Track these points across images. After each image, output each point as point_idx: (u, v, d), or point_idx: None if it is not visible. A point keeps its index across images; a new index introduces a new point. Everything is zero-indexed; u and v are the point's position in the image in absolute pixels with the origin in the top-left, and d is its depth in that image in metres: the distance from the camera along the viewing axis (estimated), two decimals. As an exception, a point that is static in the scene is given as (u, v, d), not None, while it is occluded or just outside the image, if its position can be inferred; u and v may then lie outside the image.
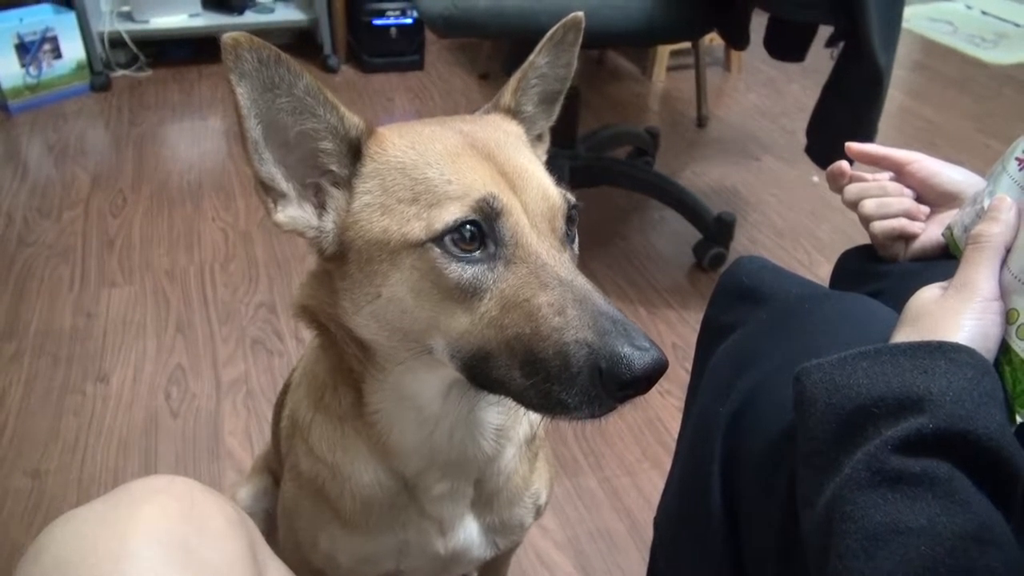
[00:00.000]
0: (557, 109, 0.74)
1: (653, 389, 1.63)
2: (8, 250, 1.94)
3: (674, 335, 1.74)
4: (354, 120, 0.59)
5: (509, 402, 0.59)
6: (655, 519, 0.80)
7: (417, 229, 0.56)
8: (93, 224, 2.05)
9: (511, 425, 0.74)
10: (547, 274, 0.55)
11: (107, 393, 1.53)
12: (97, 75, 2.75)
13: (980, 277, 0.55)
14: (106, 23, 2.76)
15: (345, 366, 0.68)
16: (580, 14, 0.69)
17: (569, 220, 0.62)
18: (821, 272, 1.93)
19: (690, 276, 1.94)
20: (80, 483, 1.35)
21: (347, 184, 0.60)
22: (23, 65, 2.56)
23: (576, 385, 0.52)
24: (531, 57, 0.69)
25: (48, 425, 1.46)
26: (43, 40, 2.60)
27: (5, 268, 1.87)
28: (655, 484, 1.38)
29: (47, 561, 0.46)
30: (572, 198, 0.62)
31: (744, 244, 2.04)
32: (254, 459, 1.21)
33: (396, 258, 0.57)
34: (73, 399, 1.52)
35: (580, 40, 0.70)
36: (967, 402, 0.46)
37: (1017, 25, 3.62)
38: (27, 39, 2.56)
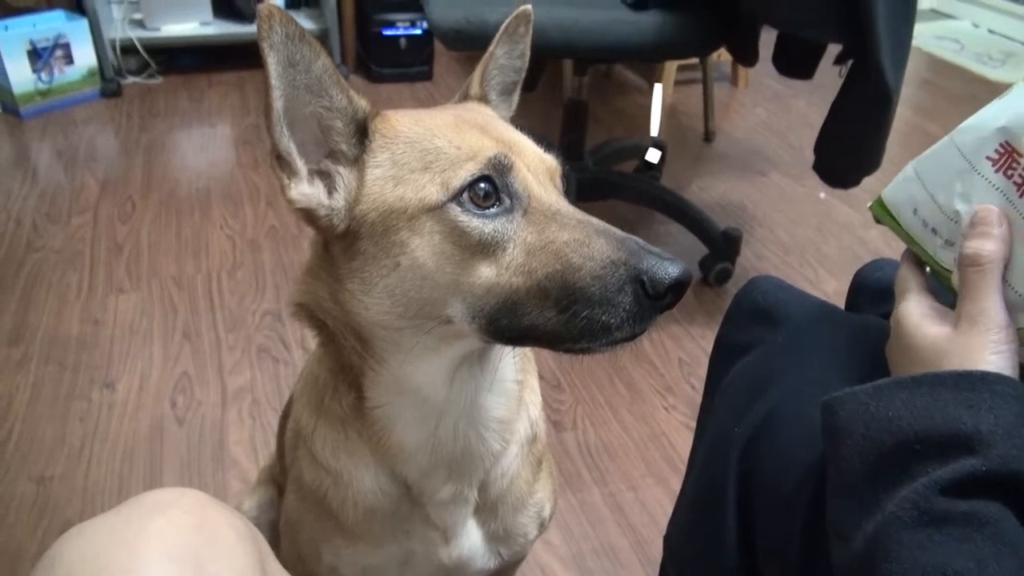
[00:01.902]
0: (515, 100, 0.79)
1: (658, 404, 1.62)
2: (17, 255, 1.94)
3: (680, 350, 1.74)
4: (361, 102, 0.62)
5: (516, 383, 0.64)
6: (665, 536, 0.80)
7: (434, 192, 0.58)
8: (102, 230, 2.06)
9: (512, 419, 0.74)
10: (564, 217, 0.59)
11: (113, 400, 1.54)
12: (108, 82, 2.77)
13: (991, 305, 0.52)
14: (118, 30, 2.79)
15: (346, 363, 0.68)
16: (529, 7, 0.74)
17: (562, 183, 0.66)
18: (828, 288, 1.93)
19: (696, 291, 1.94)
20: (85, 490, 1.35)
21: (355, 163, 0.61)
22: (35, 71, 2.58)
23: (618, 304, 0.55)
24: (490, 48, 0.74)
25: (54, 431, 1.46)
26: (55, 46, 2.62)
27: (13, 273, 1.88)
28: (660, 500, 1.38)
29: (58, 574, 0.46)
30: (560, 159, 0.67)
31: (750, 260, 2.04)
32: (259, 470, 1.21)
33: (415, 223, 0.58)
34: (79, 405, 1.52)
35: (530, 32, 0.75)
36: (1018, 440, 0.45)
37: (1024, 44, 3.63)
38: (40, 45, 2.58)
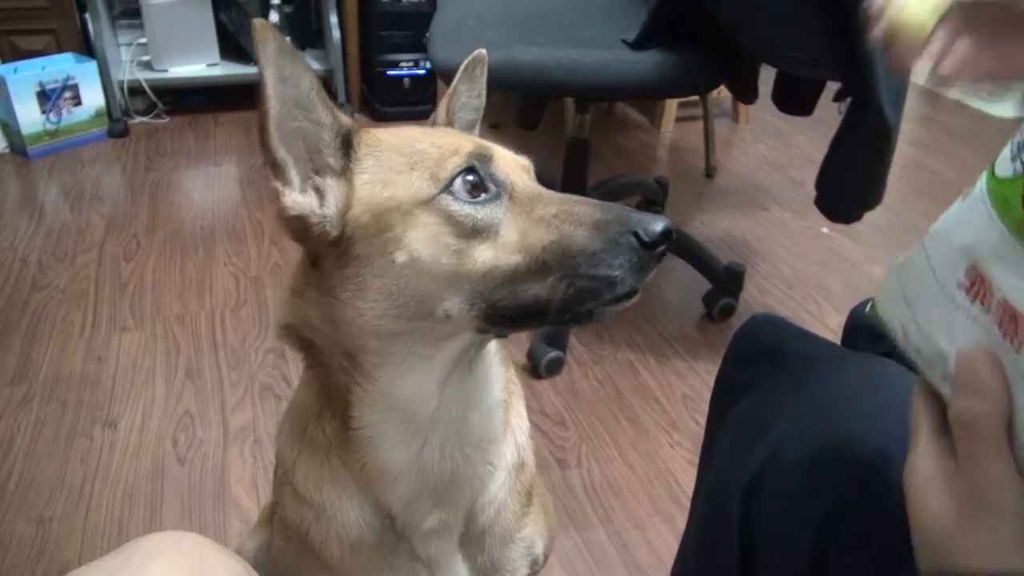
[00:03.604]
0: (475, 131, 0.82)
1: (663, 441, 1.60)
2: (22, 294, 1.95)
3: (684, 386, 1.73)
4: (345, 118, 0.65)
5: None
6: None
7: (425, 187, 0.61)
8: (106, 268, 2.07)
9: (499, 439, 0.74)
10: (546, 195, 0.63)
11: (115, 439, 1.53)
12: (115, 122, 2.80)
13: (994, 482, 0.40)
14: (126, 72, 2.83)
15: (332, 384, 0.68)
16: (483, 51, 0.79)
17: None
18: (831, 323, 1.92)
19: (699, 326, 1.94)
20: (85, 531, 1.34)
21: (342, 173, 0.64)
22: (43, 112, 2.62)
23: (620, 253, 0.58)
24: (454, 83, 0.79)
25: (55, 471, 1.45)
26: (64, 88, 2.66)
27: (18, 311, 1.88)
28: (665, 538, 1.36)
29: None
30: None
31: (753, 294, 2.04)
32: (260, 510, 1.19)
33: (409, 218, 0.61)
34: (81, 445, 1.51)
35: (485, 73, 0.80)
36: None
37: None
38: (48, 87, 2.62)
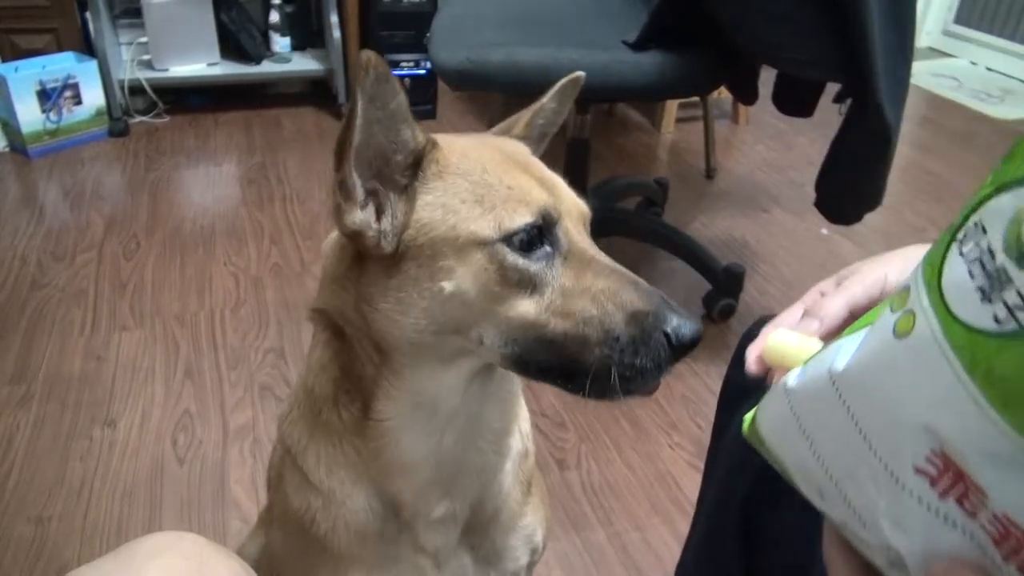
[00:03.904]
0: (545, 146, 0.82)
1: (663, 443, 1.61)
2: (21, 293, 1.95)
3: (684, 387, 1.73)
4: (422, 136, 0.63)
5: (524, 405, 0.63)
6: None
7: (486, 228, 0.61)
8: (106, 268, 2.07)
9: (510, 430, 0.76)
10: (599, 265, 0.64)
11: (114, 438, 1.53)
12: (116, 121, 2.80)
13: None
14: (126, 71, 2.83)
15: (355, 373, 0.68)
16: (582, 74, 0.79)
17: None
18: (831, 325, 1.92)
19: (700, 327, 1.93)
20: (84, 530, 1.34)
21: (405, 190, 0.64)
22: (44, 111, 2.62)
23: (648, 350, 0.60)
24: (543, 100, 0.78)
25: (54, 471, 1.45)
26: (64, 87, 2.66)
27: (18, 311, 1.88)
28: (665, 540, 1.36)
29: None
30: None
31: (753, 296, 2.04)
32: (260, 510, 1.19)
33: (463, 254, 0.61)
34: (80, 444, 1.51)
35: (577, 93, 0.80)
36: None
37: (1022, 81, 3.67)
38: (49, 86, 2.62)
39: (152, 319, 1.88)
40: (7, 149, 2.67)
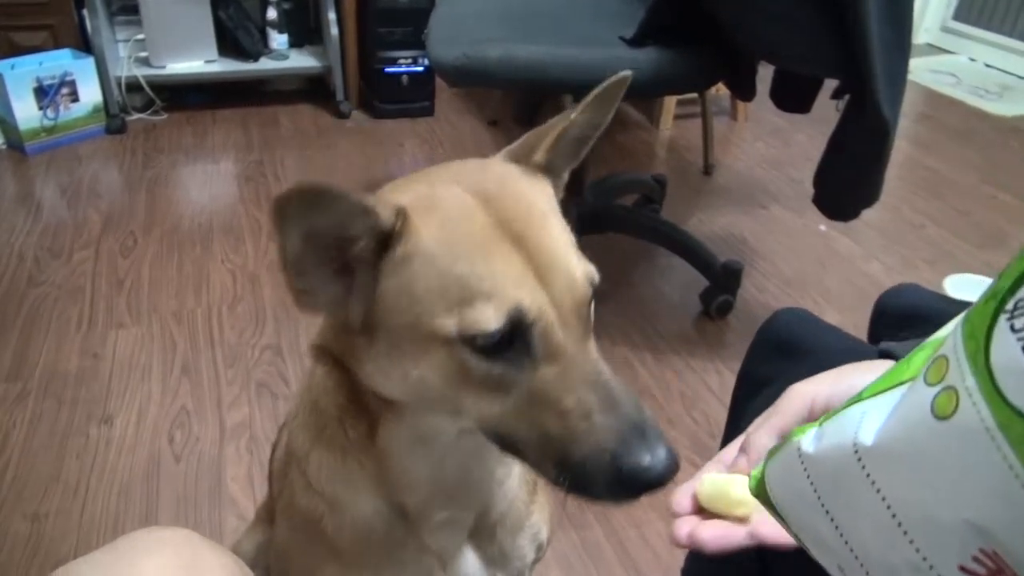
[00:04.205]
0: (585, 151, 0.72)
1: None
2: (18, 290, 1.95)
3: (682, 384, 1.73)
4: (388, 214, 0.56)
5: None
6: (683, 570, 0.78)
7: (448, 325, 0.55)
8: (103, 265, 2.06)
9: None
10: (574, 374, 0.57)
11: (111, 436, 1.52)
12: (113, 118, 2.80)
13: None
14: (123, 68, 2.82)
15: (360, 401, 0.67)
16: (629, 73, 0.69)
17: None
18: (830, 320, 1.91)
19: (697, 324, 1.93)
20: (80, 528, 1.33)
21: (374, 266, 0.58)
22: (41, 108, 2.61)
23: (601, 484, 0.56)
24: (573, 115, 0.67)
25: (50, 467, 1.45)
26: (61, 84, 2.65)
27: (14, 308, 1.88)
28: (663, 538, 1.35)
29: (45, 616, 0.45)
30: (595, 275, 0.61)
31: (751, 292, 2.04)
32: (257, 508, 1.19)
33: (426, 346, 0.57)
34: (76, 441, 1.51)
35: (622, 94, 0.70)
36: None
37: (1021, 77, 3.67)
38: (46, 83, 2.61)
39: (149, 316, 1.87)
40: (4, 146, 2.66)
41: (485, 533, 0.76)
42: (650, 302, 2.00)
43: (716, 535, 0.56)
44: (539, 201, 0.63)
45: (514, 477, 0.76)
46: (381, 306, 0.58)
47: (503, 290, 0.55)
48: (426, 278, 0.56)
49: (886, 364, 0.50)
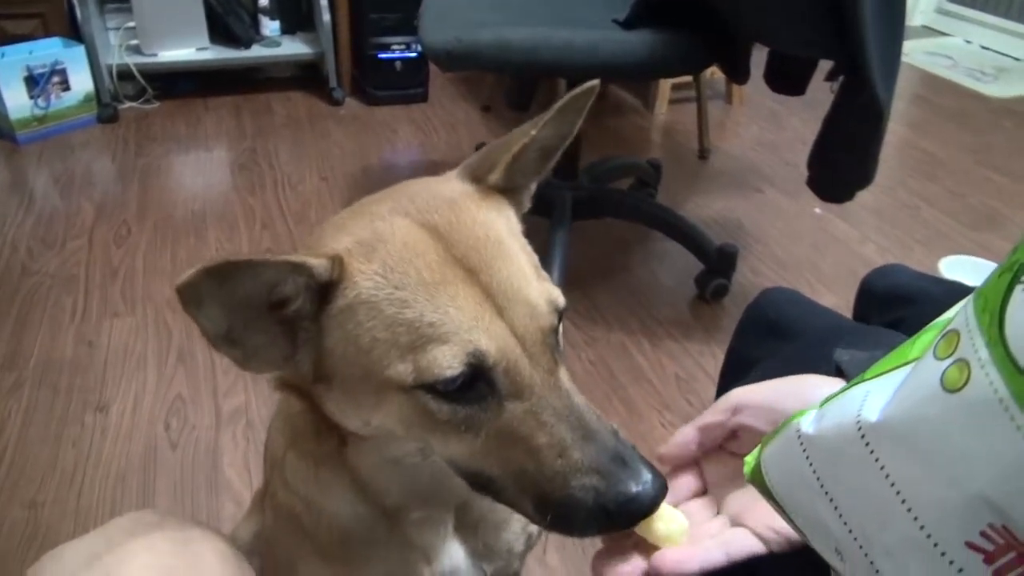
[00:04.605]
0: (551, 164, 0.69)
1: (656, 422, 1.60)
2: (12, 280, 1.94)
3: (677, 366, 1.73)
4: (323, 265, 0.52)
5: None
6: None
7: (403, 373, 0.52)
8: (97, 254, 2.06)
9: None
10: (543, 410, 0.54)
11: (106, 424, 1.52)
12: (104, 107, 2.78)
13: None
14: (115, 56, 2.80)
15: (328, 421, 0.64)
16: (597, 82, 0.65)
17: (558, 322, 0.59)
18: (825, 303, 1.91)
19: (692, 307, 1.94)
20: (77, 515, 1.34)
21: (316, 322, 0.55)
22: (32, 97, 2.59)
23: (587, 520, 0.53)
24: (534, 132, 0.62)
25: (46, 456, 1.45)
26: (52, 72, 2.63)
27: (8, 298, 1.87)
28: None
29: (36, 598, 0.45)
30: (559, 299, 0.58)
31: (747, 275, 2.04)
32: (253, 494, 1.19)
33: (381, 394, 0.55)
34: (72, 430, 1.51)
35: (590, 103, 0.65)
36: None
37: (1016, 59, 3.66)
38: (36, 71, 2.60)
39: (144, 305, 1.87)
40: (-5, 136, 2.65)
41: (467, 529, 0.75)
42: (646, 286, 2.00)
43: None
44: (495, 227, 0.59)
45: None
46: (330, 359, 0.55)
47: (458, 333, 0.52)
48: (372, 328, 0.53)
49: (835, 382, 0.50)
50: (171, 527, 0.52)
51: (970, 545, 0.29)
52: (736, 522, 0.52)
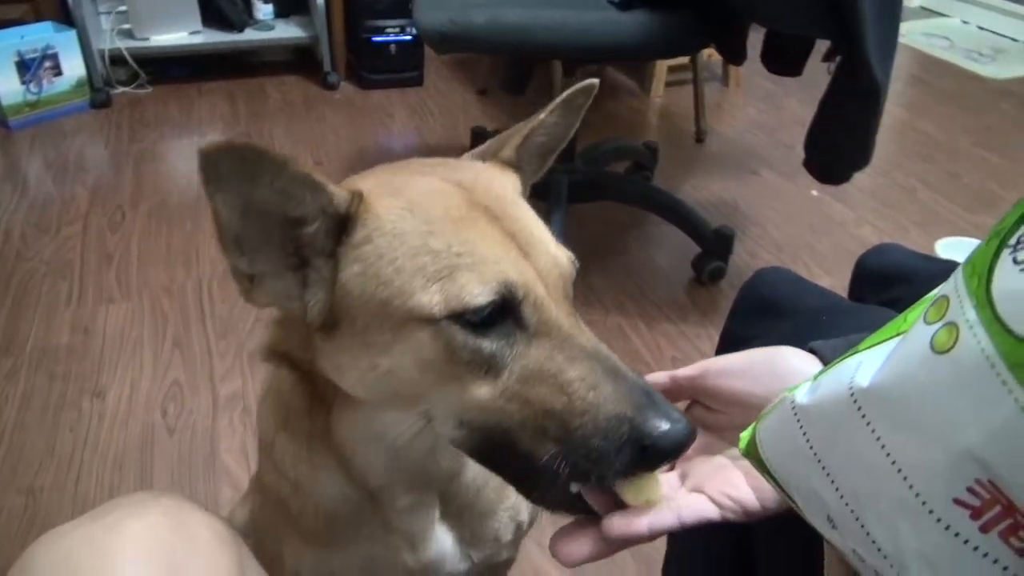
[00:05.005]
0: (548, 164, 0.71)
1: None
2: (6, 266, 1.93)
3: (674, 349, 1.73)
4: (343, 195, 0.53)
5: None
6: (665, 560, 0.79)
7: (430, 304, 0.51)
8: (91, 240, 2.05)
9: None
10: (572, 347, 0.53)
11: (103, 409, 1.52)
12: (97, 92, 2.76)
13: None
14: (107, 41, 2.78)
15: (319, 394, 0.65)
16: (596, 81, 0.67)
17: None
18: (821, 285, 1.92)
19: (689, 290, 1.94)
20: (75, 500, 1.34)
21: (332, 255, 0.55)
22: (23, 82, 2.57)
23: (619, 456, 0.51)
24: (542, 116, 0.66)
25: (44, 442, 1.45)
26: (44, 57, 2.61)
27: (3, 284, 1.86)
28: (655, 500, 1.36)
29: (31, 579, 0.45)
30: (574, 259, 0.59)
31: (743, 258, 2.04)
32: (251, 478, 1.19)
33: (401, 330, 0.53)
34: (69, 415, 1.51)
35: (589, 103, 0.68)
36: None
37: (1014, 40, 3.64)
38: (27, 56, 2.57)
39: (139, 291, 1.86)
40: (-12, 122, 2.63)
41: (453, 516, 0.75)
42: (642, 269, 2.00)
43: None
44: (509, 188, 0.61)
45: (476, 471, 0.74)
46: (343, 297, 0.54)
47: (486, 263, 0.52)
48: (396, 258, 0.53)
49: (811, 357, 0.51)
50: (167, 506, 0.52)
51: (957, 502, 0.30)
52: (695, 490, 0.52)
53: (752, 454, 0.43)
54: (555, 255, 0.57)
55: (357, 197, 0.54)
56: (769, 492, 0.50)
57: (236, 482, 1.37)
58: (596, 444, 0.51)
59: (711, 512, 0.50)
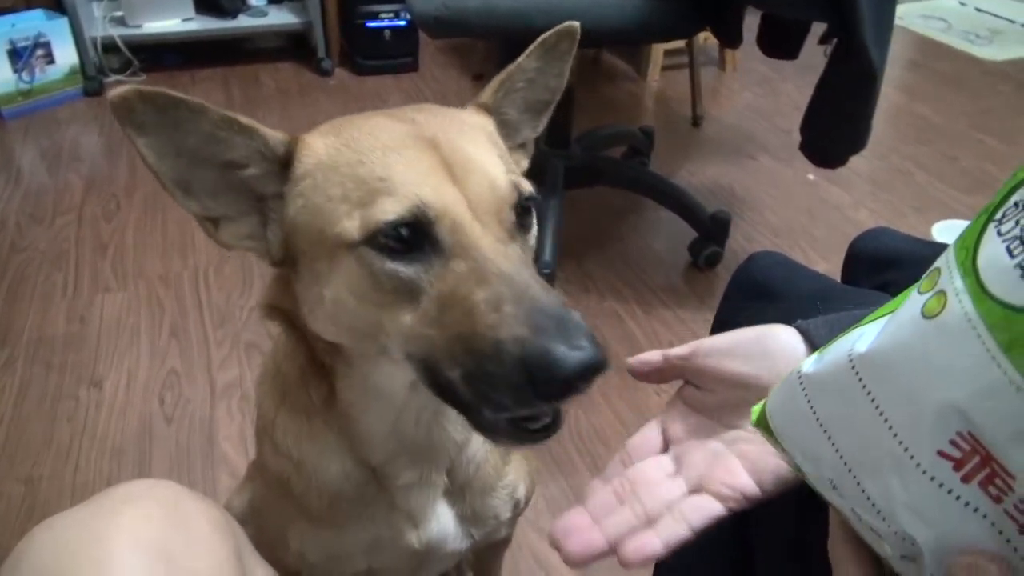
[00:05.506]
0: (544, 120, 0.71)
1: (650, 390, 1.60)
2: (1, 256, 1.93)
3: (670, 334, 1.73)
4: (278, 136, 0.58)
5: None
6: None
7: (350, 229, 0.54)
8: (86, 229, 2.04)
9: None
10: (487, 269, 0.53)
11: (101, 399, 1.52)
12: (90, 80, 2.74)
13: None
14: (99, 28, 2.76)
15: (318, 360, 0.67)
16: (576, 24, 0.66)
17: (524, 211, 0.59)
18: (818, 269, 1.92)
19: (686, 275, 1.94)
20: (73, 489, 1.34)
21: (280, 196, 0.59)
22: (15, 71, 2.56)
23: (509, 385, 0.49)
24: (519, 59, 0.67)
25: (41, 431, 1.45)
26: (35, 46, 2.59)
27: (-2, 274, 1.86)
28: (652, 484, 1.37)
29: (26, 569, 0.46)
30: (527, 187, 0.59)
31: (740, 243, 2.03)
32: (248, 465, 1.20)
33: (334, 258, 0.56)
34: (66, 405, 1.51)
35: (574, 51, 0.68)
36: None
37: (1012, 21, 3.63)
38: (19, 45, 2.55)
39: (135, 280, 1.86)
40: (-20, 111, 2.61)
41: (455, 493, 0.76)
42: (639, 254, 2.00)
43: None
44: (468, 124, 0.62)
45: (477, 444, 0.76)
46: (292, 233, 0.59)
47: (404, 185, 0.54)
48: (329, 186, 0.56)
49: (800, 340, 0.52)
50: (164, 494, 0.52)
51: (941, 454, 0.33)
52: (694, 486, 0.52)
53: (762, 425, 0.45)
54: (492, 179, 0.56)
55: (293, 141, 0.58)
56: (767, 475, 0.51)
57: (234, 470, 1.37)
58: (490, 368, 0.50)
59: (718, 510, 0.50)
